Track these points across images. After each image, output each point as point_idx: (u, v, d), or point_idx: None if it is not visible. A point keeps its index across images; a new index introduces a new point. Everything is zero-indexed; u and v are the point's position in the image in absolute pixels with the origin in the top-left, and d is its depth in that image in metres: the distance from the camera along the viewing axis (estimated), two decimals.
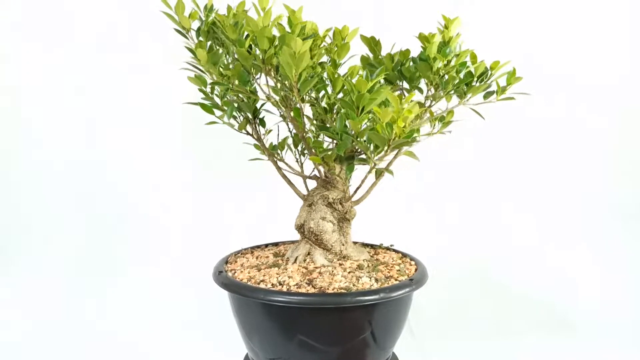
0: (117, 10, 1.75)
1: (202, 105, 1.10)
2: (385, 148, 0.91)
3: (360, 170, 1.15)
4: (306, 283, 1.00)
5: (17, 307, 1.55)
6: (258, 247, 1.26)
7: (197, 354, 1.33)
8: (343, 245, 1.12)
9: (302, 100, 0.99)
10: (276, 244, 1.28)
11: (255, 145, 1.14)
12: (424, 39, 1.03)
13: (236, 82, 0.99)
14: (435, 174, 1.77)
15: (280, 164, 1.15)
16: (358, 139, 0.94)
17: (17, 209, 1.77)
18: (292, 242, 1.25)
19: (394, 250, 1.21)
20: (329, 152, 1.03)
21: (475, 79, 1.05)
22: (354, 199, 1.13)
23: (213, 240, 1.66)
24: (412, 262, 1.13)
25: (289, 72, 0.89)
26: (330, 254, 1.11)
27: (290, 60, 0.87)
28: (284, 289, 0.99)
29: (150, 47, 1.74)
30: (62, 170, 1.77)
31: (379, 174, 1.11)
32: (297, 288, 0.99)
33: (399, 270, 1.08)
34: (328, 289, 0.98)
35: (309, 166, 1.16)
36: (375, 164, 0.99)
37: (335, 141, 1.05)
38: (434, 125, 1.11)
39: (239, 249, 1.24)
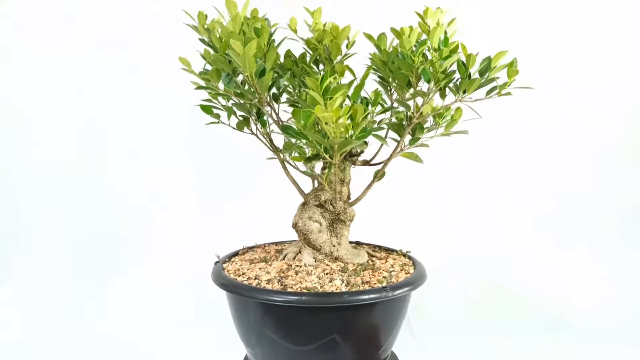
0: (117, 10, 1.75)
1: (202, 107, 1.10)
2: (335, 149, 0.90)
3: (360, 171, 1.15)
4: (277, 280, 1.02)
5: (17, 307, 1.55)
6: (276, 243, 1.28)
7: (197, 354, 1.33)
8: (334, 246, 1.11)
9: (276, 100, 1.02)
10: (288, 242, 1.30)
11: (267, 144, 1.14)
12: (397, 33, 0.98)
13: (220, 84, 0.99)
14: (436, 174, 1.76)
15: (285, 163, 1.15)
16: (306, 140, 0.93)
17: (17, 209, 1.77)
18: None
19: (409, 257, 1.19)
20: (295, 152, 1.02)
21: (468, 73, 0.99)
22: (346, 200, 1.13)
23: (213, 240, 1.66)
24: (409, 271, 1.10)
25: (244, 72, 0.91)
26: (320, 254, 1.11)
27: (237, 61, 0.89)
28: (254, 283, 1.02)
29: (150, 47, 1.74)
30: (62, 170, 1.77)
31: (377, 175, 1.10)
32: (266, 283, 1.01)
33: (384, 277, 1.05)
34: (292, 287, 0.99)
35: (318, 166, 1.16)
36: (335, 165, 0.97)
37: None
38: (438, 124, 1.09)
39: (253, 244, 1.26)
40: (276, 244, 1.28)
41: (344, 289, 0.99)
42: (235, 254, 1.22)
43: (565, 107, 1.76)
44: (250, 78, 0.93)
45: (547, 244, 1.73)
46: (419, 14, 1.00)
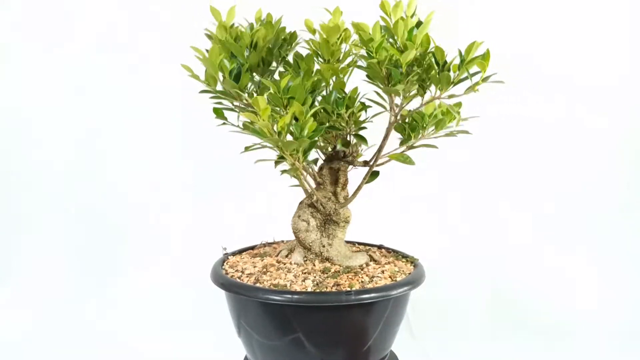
0: (117, 10, 1.75)
1: (215, 109, 1.11)
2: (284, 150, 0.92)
3: (357, 173, 1.14)
4: (256, 276, 1.05)
5: (17, 307, 1.55)
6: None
7: (197, 354, 1.33)
8: (324, 246, 1.10)
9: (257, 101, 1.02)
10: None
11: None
12: (357, 27, 0.94)
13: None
14: (436, 175, 1.76)
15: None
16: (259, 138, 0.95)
17: (17, 209, 1.77)
18: None
19: (415, 265, 1.13)
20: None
21: (441, 66, 0.91)
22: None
23: (213, 240, 1.66)
24: (397, 279, 1.05)
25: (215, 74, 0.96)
26: (311, 253, 1.11)
27: (203, 64, 0.95)
28: (236, 276, 1.05)
29: (151, 47, 1.74)
30: (62, 170, 1.77)
31: (366, 177, 1.08)
32: (246, 277, 1.04)
33: (362, 281, 1.02)
34: (263, 283, 1.02)
35: None
36: (294, 165, 0.96)
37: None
38: (427, 124, 1.02)
39: (272, 240, 1.28)
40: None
41: (310, 289, 0.99)
42: (251, 248, 1.24)
43: (565, 108, 1.76)
44: (223, 80, 0.96)
45: (547, 245, 1.73)
46: (381, 7, 0.95)
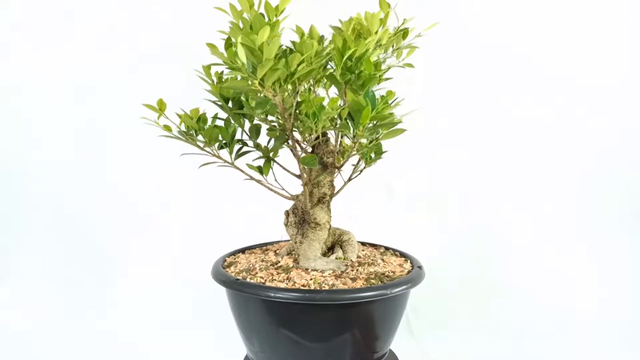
0: (117, 10, 1.75)
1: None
2: None
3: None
4: (232, 259, 1.16)
5: (17, 307, 1.55)
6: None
7: (197, 354, 1.33)
8: (296, 243, 1.11)
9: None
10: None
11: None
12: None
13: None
14: (436, 175, 1.76)
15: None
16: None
17: (17, 209, 1.77)
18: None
19: (381, 281, 1.04)
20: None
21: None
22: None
23: (213, 240, 1.66)
24: (333, 287, 0.99)
25: None
26: (294, 247, 1.13)
27: None
28: (225, 260, 1.15)
29: (150, 47, 1.74)
30: (63, 170, 1.77)
31: (309, 177, 1.07)
32: (226, 271, 1.10)
33: (275, 279, 1.02)
34: (226, 262, 1.14)
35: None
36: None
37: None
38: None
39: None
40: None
41: (232, 275, 1.04)
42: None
43: (566, 108, 1.76)
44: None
45: (547, 245, 1.73)
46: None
